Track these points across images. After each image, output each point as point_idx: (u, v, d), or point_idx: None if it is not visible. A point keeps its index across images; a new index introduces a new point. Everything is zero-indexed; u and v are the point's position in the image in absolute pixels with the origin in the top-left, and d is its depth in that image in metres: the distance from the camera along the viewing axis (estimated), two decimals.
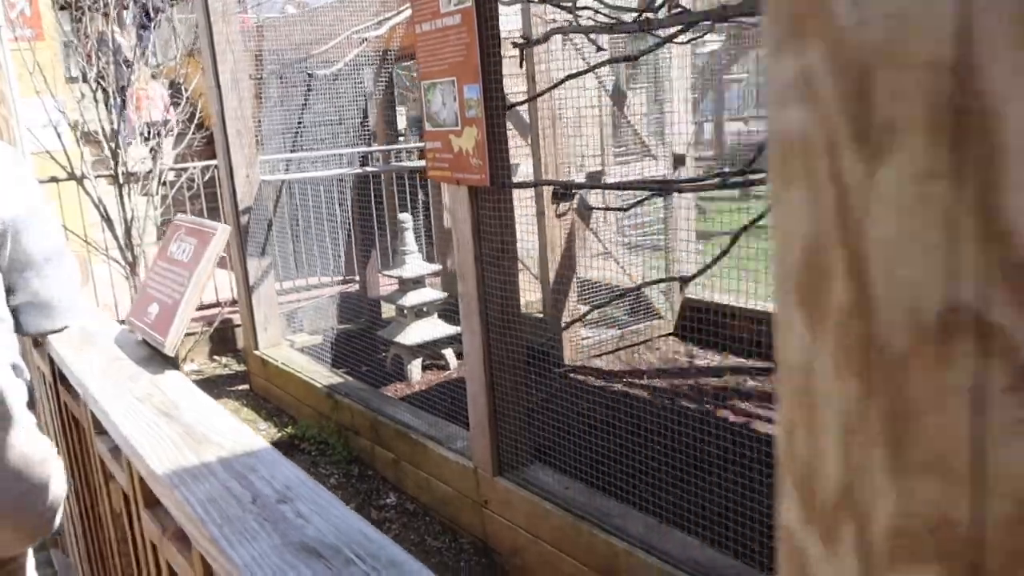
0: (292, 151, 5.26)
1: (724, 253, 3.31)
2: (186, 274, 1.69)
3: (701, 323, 5.72)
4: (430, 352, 5.26)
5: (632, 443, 3.84)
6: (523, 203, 6.74)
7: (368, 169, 5.43)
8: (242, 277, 5.32)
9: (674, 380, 4.92)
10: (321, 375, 4.75)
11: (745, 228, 3.29)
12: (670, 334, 5.85)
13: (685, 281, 3.39)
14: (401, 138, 8.17)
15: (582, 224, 5.34)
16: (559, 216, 5.12)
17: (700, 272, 3.36)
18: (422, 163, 5.78)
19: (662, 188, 2.79)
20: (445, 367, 5.35)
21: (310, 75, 4.52)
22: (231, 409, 5.40)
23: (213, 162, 6.71)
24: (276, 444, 4.74)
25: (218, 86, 5.02)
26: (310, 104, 5.02)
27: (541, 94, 2.88)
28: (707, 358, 5.38)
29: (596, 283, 5.76)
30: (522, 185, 3.01)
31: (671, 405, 4.43)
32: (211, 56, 4.99)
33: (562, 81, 2.83)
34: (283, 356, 5.17)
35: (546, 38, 2.77)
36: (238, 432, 1.33)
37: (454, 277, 6.09)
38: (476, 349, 3.24)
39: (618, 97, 5.26)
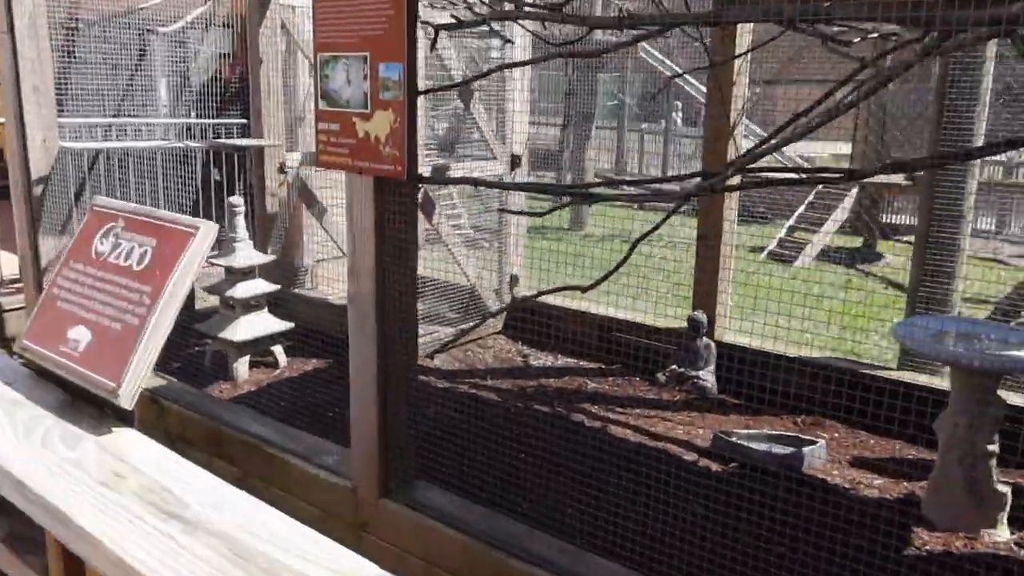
0: (112, 116, 4.33)
1: (622, 263, 3.08)
2: (146, 290, 1.12)
3: (528, 323, 5.52)
4: (256, 349, 4.58)
5: (512, 455, 3.51)
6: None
7: (191, 144, 4.61)
8: (31, 259, 4.30)
9: (518, 381, 4.66)
10: None
11: (641, 239, 3.09)
12: (499, 332, 5.59)
13: (583, 290, 3.11)
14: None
15: (424, 219, 4.92)
16: None
17: (597, 283, 3.11)
18: (251, 141, 5.04)
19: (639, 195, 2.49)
20: (273, 365, 4.70)
21: (150, 31, 3.70)
22: None
23: None
24: None
25: (11, 31, 3.99)
26: (133, 65, 4.14)
27: (467, 82, 2.46)
28: (540, 358, 5.17)
29: (432, 280, 5.35)
30: (441, 181, 2.56)
31: (532, 411, 4.16)
32: None
33: (493, 71, 2.43)
34: None
35: (483, 21, 2.36)
36: (317, 544, 0.84)
37: (277, 268, 5.41)
38: (368, 357, 2.75)
39: (466, 95, 4.88)
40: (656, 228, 3.12)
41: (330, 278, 6.37)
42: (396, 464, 2.85)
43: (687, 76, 10.08)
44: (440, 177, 2.64)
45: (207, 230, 1.12)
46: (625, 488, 3.24)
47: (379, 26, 2.46)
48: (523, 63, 2.40)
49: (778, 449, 3.69)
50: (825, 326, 4.77)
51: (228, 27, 4.87)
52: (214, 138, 5.46)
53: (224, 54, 6.63)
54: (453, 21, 2.53)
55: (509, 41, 2.93)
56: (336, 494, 2.99)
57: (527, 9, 2.30)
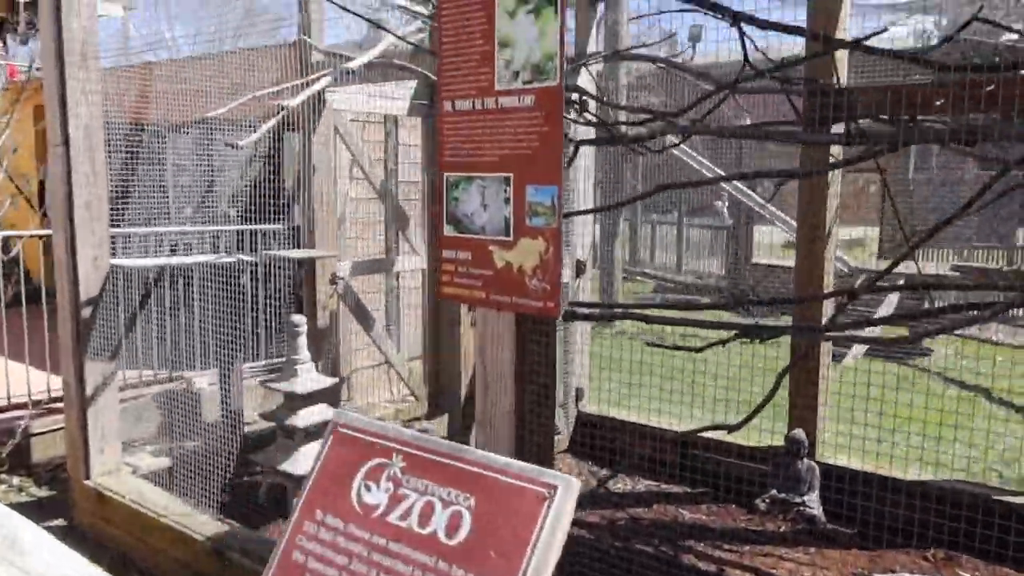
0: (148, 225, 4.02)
1: (769, 398, 2.74)
2: None
3: (597, 440, 5.11)
4: None
5: None
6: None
7: (243, 257, 4.29)
8: (76, 386, 3.91)
9: (604, 512, 4.22)
10: (197, 521, 3.49)
11: (787, 370, 2.76)
12: (564, 451, 5.16)
13: (731, 430, 2.74)
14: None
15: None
16: (474, 325, 4.31)
17: (746, 420, 2.76)
18: (307, 252, 4.73)
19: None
20: None
21: (232, 146, 3.42)
22: None
23: (15, 232, 5.15)
24: None
25: (66, 144, 3.71)
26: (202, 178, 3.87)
27: (639, 198, 2.17)
28: (618, 482, 4.74)
29: None
30: (601, 317, 2.24)
31: (635, 553, 3.71)
32: (60, 107, 3.69)
33: (660, 189, 2.13)
34: (130, 490, 3.81)
35: (648, 137, 2.07)
36: None
37: (332, 389, 5.01)
38: None
39: None
40: (796, 360, 2.80)
41: (366, 388, 6.03)
42: None
43: (719, 171, 9.92)
44: (601, 311, 2.30)
45: (568, 491, 0.76)
46: None
47: (528, 143, 2.16)
48: (685, 185, 2.09)
49: None
50: (909, 437, 4.40)
51: (287, 132, 4.64)
52: (254, 246, 5.16)
53: (265, 157, 6.40)
54: (603, 135, 2.24)
55: (647, 151, 2.64)
56: None
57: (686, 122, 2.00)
